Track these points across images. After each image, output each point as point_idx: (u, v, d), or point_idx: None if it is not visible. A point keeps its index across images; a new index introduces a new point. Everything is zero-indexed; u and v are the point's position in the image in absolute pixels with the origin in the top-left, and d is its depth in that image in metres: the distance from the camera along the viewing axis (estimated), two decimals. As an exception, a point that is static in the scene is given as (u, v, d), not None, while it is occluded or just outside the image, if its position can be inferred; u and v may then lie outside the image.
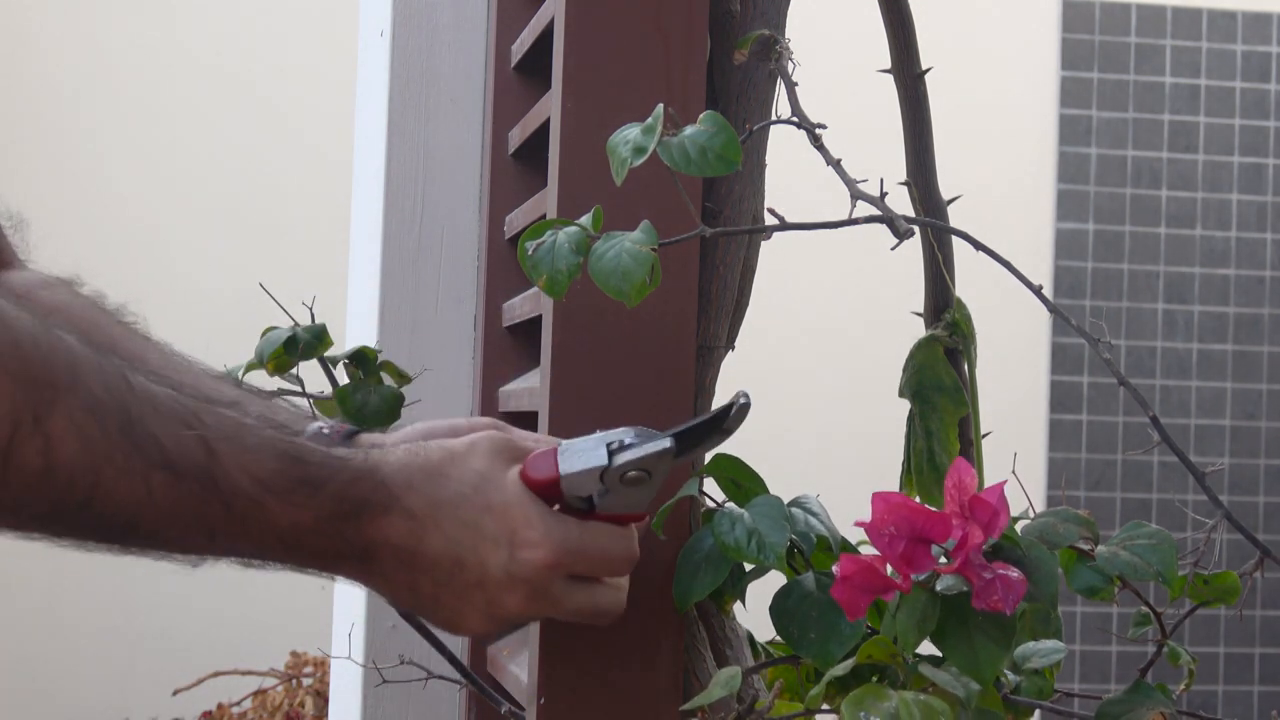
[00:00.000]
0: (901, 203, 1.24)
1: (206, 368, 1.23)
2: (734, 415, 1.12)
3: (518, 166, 1.68)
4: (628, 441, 1.11)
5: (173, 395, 0.97)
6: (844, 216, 1.12)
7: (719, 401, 1.30)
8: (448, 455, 1.07)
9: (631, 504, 1.11)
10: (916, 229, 1.15)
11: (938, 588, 0.97)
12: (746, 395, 1.13)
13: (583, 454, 1.10)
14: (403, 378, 1.39)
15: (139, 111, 4.05)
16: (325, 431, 1.08)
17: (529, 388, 1.48)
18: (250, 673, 3.73)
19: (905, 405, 1.36)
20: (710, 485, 1.23)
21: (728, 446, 1.23)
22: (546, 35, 1.49)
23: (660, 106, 1.08)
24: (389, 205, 1.80)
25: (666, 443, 1.10)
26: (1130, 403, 4.25)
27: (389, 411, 1.34)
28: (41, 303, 1.22)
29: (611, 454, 1.10)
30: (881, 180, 1.14)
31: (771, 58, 1.26)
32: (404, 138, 1.80)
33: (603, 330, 1.22)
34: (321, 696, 3.59)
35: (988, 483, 1.00)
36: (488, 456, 1.08)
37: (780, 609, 1.13)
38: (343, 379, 1.38)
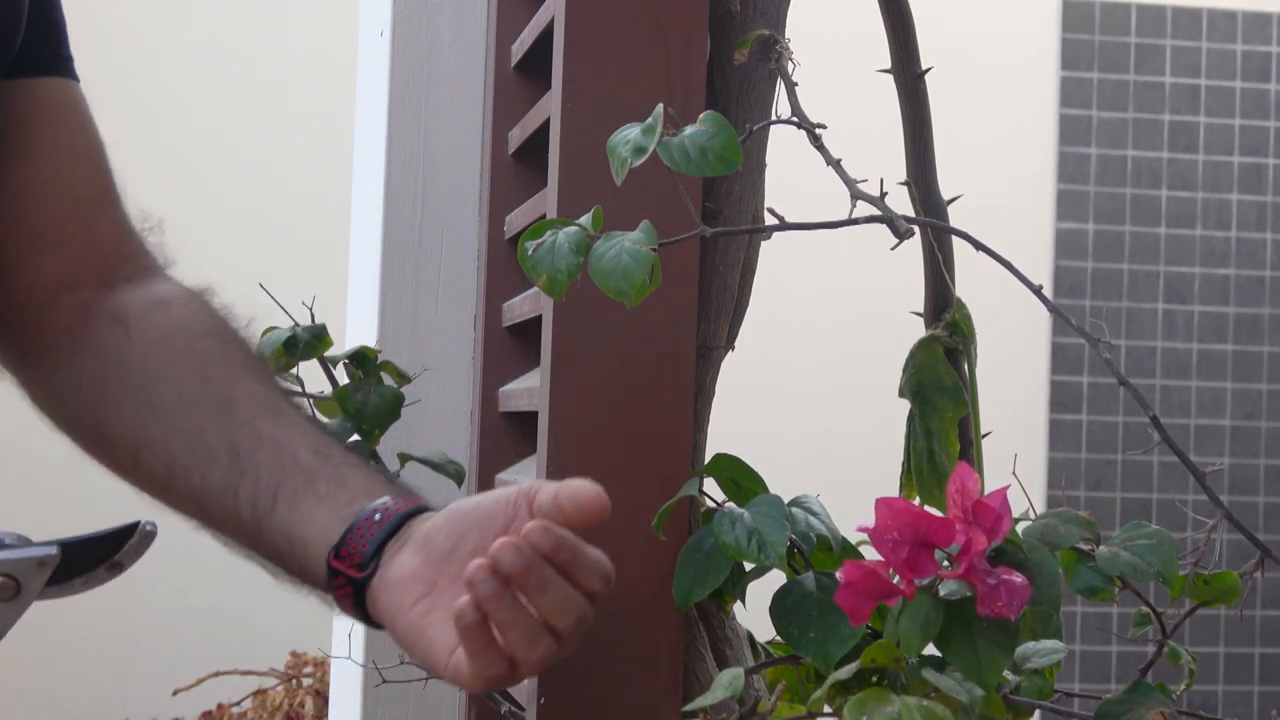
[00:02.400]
0: (901, 203, 1.24)
1: (301, 419, 1.16)
2: (132, 544, 1.01)
3: (518, 166, 1.67)
4: (6, 542, 0.97)
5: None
6: (844, 216, 1.12)
7: (718, 402, 1.30)
8: None
9: None
10: (916, 229, 1.15)
11: (941, 592, 0.97)
12: (153, 524, 1.04)
13: None
14: (403, 378, 1.39)
15: (138, 111, 4.05)
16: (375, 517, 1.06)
17: (529, 388, 1.48)
18: (250, 673, 3.73)
19: (905, 405, 1.36)
20: (710, 485, 1.23)
21: (727, 447, 1.23)
22: (546, 35, 1.49)
23: (660, 106, 1.08)
24: (389, 205, 1.79)
25: (50, 550, 0.97)
26: (1130, 403, 4.25)
27: (389, 411, 1.34)
28: (152, 327, 1.18)
29: None
30: (881, 180, 1.14)
31: (771, 58, 1.26)
32: (404, 138, 1.80)
33: (603, 330, 1.22)
34: (321, 696, 3.59)
35: (988, 482, 0.99)
36: None
37: (780, 609, 1.13)
38: (343, 379, 1.38)
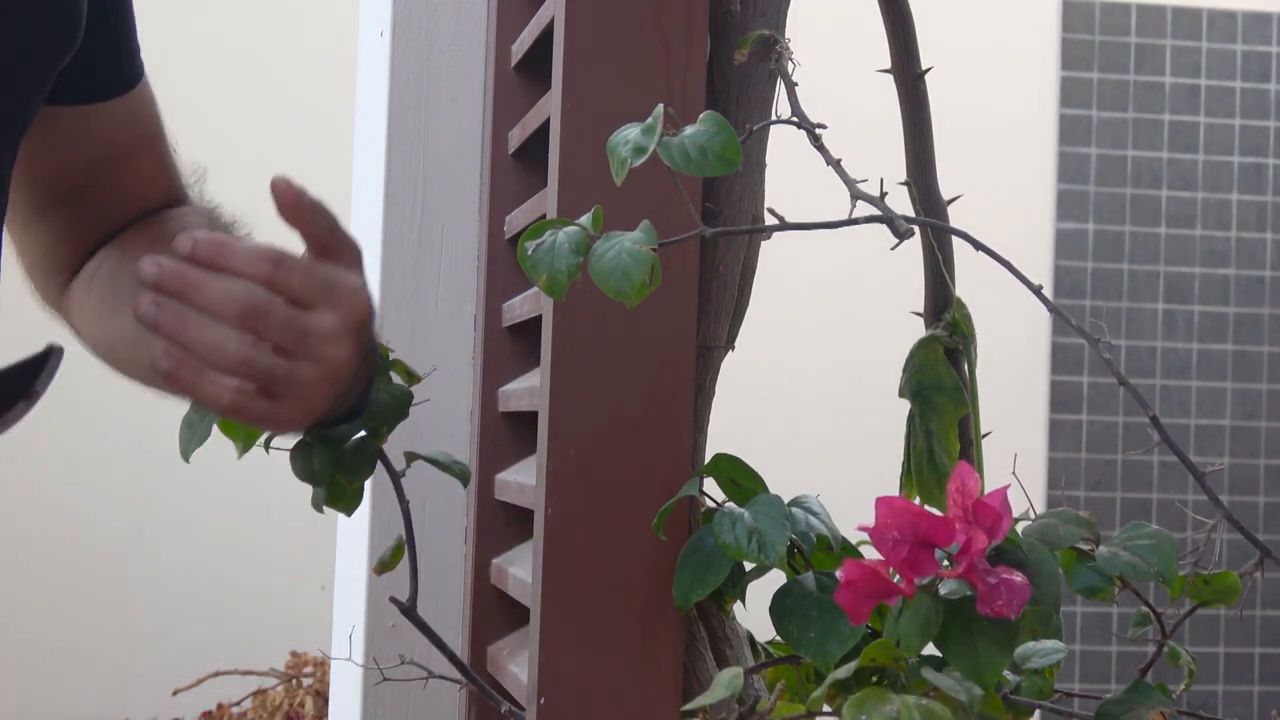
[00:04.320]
0: (901, 203, 1.24)
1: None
2: (47, 370, 0.98)
3: (518, 166, 1.67)
4: None
5: None
6: (844, 216, 1.12)
7: (718, 402, 1.30)
8: None
9: None
10: (916, 229, 1.15)
11: (941, 592, 0.97)
12: (61, 346, 1.01)
13: None
14: (412, 377, 1.38)
15: (139, 111, 4.05)
16: None
17: (529, 388, 1.48)
18: (250, 673, 3.73)
19: (905, 405, 1.36)
20: (710, 485, 1.23)
21: (727, 446, 1.23)
22: (546, 35, 1.49)
23: (660, 106, 1.08)
24: (389, 205, 1.80)
25: None
26: (1130, 403, 4.25)
27: (398, 410, 1.34)
28: (148, 223, 1.26)
29: None
30: (881, 180, 1.14)
31: (771, 58, 1.26)
32: (404, 138, 1.80)
33: (603, 330, 1.22)
34: (321, 696, 3.59)
35: (988, 482, 0.99)
36: None
37: (780, 608, 1.13)
38: (343, 379, 1.38)
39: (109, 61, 1.24)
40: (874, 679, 1.02)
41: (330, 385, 0.99)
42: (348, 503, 1.30)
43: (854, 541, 1.20)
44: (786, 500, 1.18)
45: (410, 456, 1.33)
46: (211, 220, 1.26)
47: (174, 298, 0.93)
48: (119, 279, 1.22)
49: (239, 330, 0.94)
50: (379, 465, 1.29)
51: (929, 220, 1.32)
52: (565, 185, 1.24)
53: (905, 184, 1.35)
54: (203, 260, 0.94)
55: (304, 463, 1.25)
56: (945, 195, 1.37)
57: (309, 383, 0.97)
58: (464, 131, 1.78)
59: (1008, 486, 0.99)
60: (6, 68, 1.13)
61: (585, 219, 1.09)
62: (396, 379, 1.38)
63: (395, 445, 1.35)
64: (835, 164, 1.13)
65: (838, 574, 0.97)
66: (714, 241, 1.25)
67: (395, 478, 1.31)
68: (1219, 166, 4.36)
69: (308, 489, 1.29)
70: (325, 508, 1.31)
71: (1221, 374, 4.34)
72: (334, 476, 1.27)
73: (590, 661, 1.20)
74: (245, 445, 1.28)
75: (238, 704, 3.73)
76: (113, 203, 1.28)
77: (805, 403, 4.16)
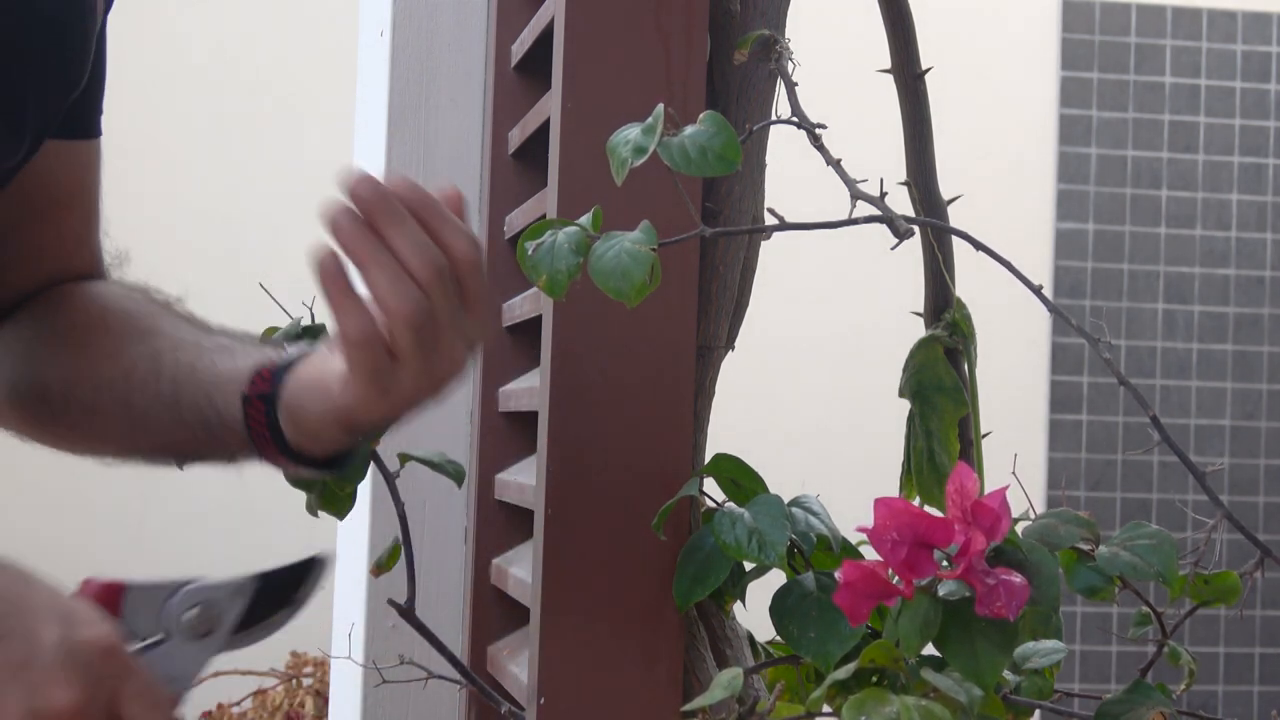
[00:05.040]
0: (901, 203, 1.24)
1: (222, 331, 1.19)
2: (313, 578, 1.00)
3: (518, 166, 1.67)
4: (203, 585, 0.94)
5: None
6: (844, 216, 1.12)
7: (717, 402, 1.30)
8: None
9: (186, 664, 0.92)
10: (916, 229, 1.15)
11: (940, 593, 0.97)
12: (325, 555, 1.03)
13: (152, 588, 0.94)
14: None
15: (138, 111, 4.05)
16: None
17: (529, 388, 1.48)
18: (250, 673, 3.73)
19: (905, 405, 1.36)
20: (710, 485, 1.23)
21: (727, 446, 1.23)
22: (546, 35, 1.49)
23: (660, 106, 1.08)
24: (389, 205, 1.79)
25: (246, 580, 0.97)
26: (1130, 403, 4.25)
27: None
28: (89, 295, 1.23)
29: (180, 587, 0.94)
30: (881, 180, 1.14)
31: (771, 58, 1.26)
32: (404, 137, 1.80)
33: (603, 330, 1.22)
34: (321, 696, 3.59)
35: (988, 482, 0.99)
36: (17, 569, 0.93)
37: (780, 608, 1.13)
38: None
39: (87, 103, 1.23)
40: (873, 680, 1.02)
41: (440, 384, 1.00)
42: (340, 507, 1.30)
43: (854, 542, 1.20)
44: (786, 500, 1.18)
45: (404, 458, 1.34)
46: (150, 298, 1.24)
47: (372, 221, 0.95)
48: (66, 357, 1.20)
49: (409, 277, 0.95)
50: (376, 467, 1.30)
51: (929, 220, 1.32)
52: (565, 185, 1.24)
53: (905, 184, 1.35)
54: (411, 202, 0.96)
55: (296, 468, 1.25)
56: (945, 195, 1.37)
57: (435, 370, 0.99)
58: (464, 131, 1.78)
59: (1007, 487, 0.99)
60: (20, 103, 1.13)
61: (585, 219, 1.09)
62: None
63: (394, 445, 1.35)
64: (835, 164, 1.13)
65: (837, 574, 0.97)
66: (714, 241, 1.25)
67: (390, 479, 1.31)
68: (1219, 166, 4.36)
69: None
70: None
71: (1221, 374, 4.34)
72: (326, 481, 1.27)
73: (590, 661, 1.20)
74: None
75: (238, 704, 3.73)
76: (42, 251, 1.25)
77: (805, 402, 4.16)
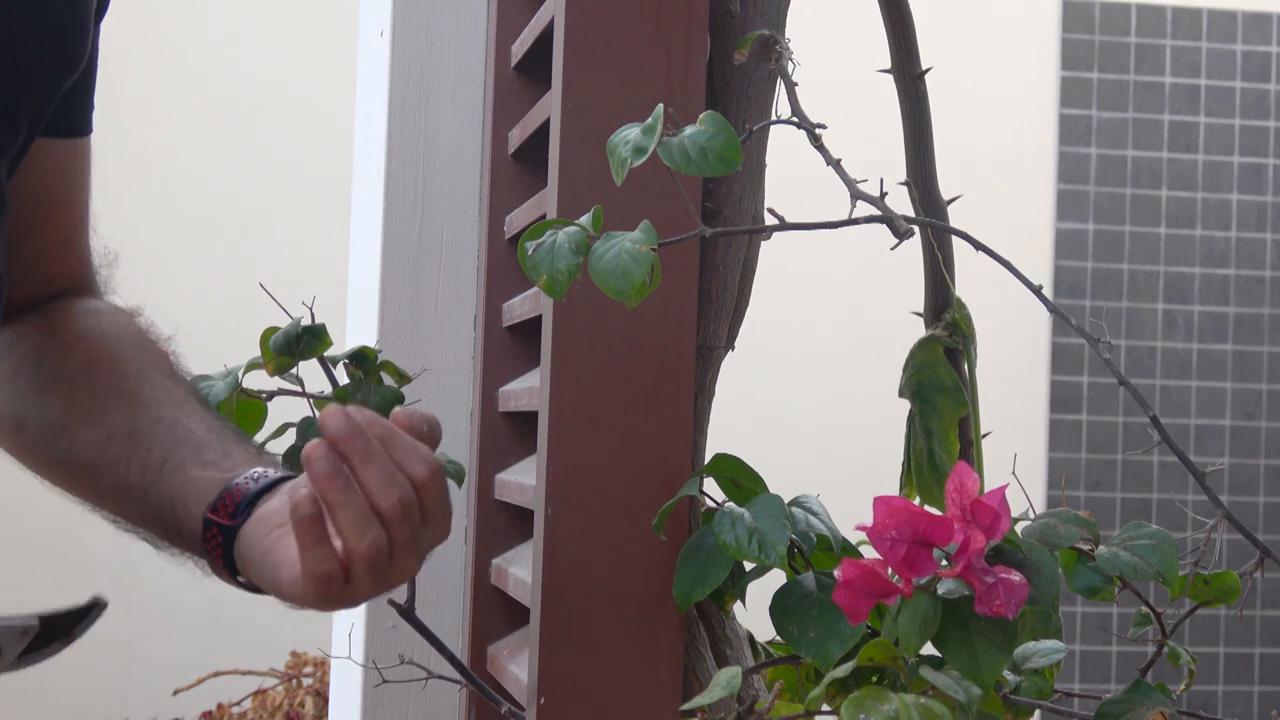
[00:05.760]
0: (901, 203, 1.24)
1: (204, 409, 1.21)
2: (91, 618, 1.04)
3: (518, 166, 1.67)
4: None
5: None
6: (844, 216, 1.12)
7: (717, 402, 1.30)
8: None
9: None
10: (916, 229, 1.15)
11: (939, 591, 0.97)
12: (105, 600, 1.08)
13: None
14: (403, 378, 1.39)
15: (137, 111, 4.05)
16: None
17: (529, 388, 1.48)
18: (250, 673, 3.73)
19: (905, 405, 1.36)
20: (710, 485, 1.23)
21: (727, 445, 1.23)
22: (546, 35, 1.49)
23: (660, 106, 1.08)
24: (389, 205, 1.80)
25: (32, 621, 1.01)
26: (1130, 403, 4.25)
27: (388, 411, 1.34)
28: (77, 330, 1.23)
29: None
30: (881, 180, 1.14)
31: (771, 58, 1.26)
32: (404, 138, 1.80)
33: (603, 330, 1.22)
34: (321, 696, 3.59)
35: (988, 482, 1.00)
36: None
37: (780, 608, 1.13)
38: (343, 379, 1.38)
39: (79, 99, 1.23)
40: (873, 678, 1.02)
41: (385, 591, 1.03)
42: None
43: (854, 541, 1.20)
44: (786, 500, 1.18)
45: (404, 457, 1.33)
46: (141, 341, 1.24)
47: (344, 458, 0.97)
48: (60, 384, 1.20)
49: (374, 516, 0.98)
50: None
51: (929, 220, 1.32)
52: (565, 185, 1.24)
53: (905, 184, 1.35)
54: (374, 436, 0.98)
55: (293, 469, 1.25)
56: (945, 195, 1.37)
57: (383, 586, 1.02)
58: (464, 132, 1.78)
59: (1006, 486, 0.99)
60: (15, 86, 1.13)
61: (585, 219, 1.09)
62: (387, 380, 1.38)
63: (395, 445, 1.35)
64: (835, 164, 1.13)
65: (836, 573, 0.97)
66: (714, 241, 1.25)
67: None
68: (1219, 166, 4.36)
69: (308, 489, 1.28)
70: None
71: (1221, 374, 4.34)
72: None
73: (590, 661, 1.20)
74: None
75: (238, 704, 3.73)
76: (34, 254, 1.25)
77: (805, 402, 4.16)
